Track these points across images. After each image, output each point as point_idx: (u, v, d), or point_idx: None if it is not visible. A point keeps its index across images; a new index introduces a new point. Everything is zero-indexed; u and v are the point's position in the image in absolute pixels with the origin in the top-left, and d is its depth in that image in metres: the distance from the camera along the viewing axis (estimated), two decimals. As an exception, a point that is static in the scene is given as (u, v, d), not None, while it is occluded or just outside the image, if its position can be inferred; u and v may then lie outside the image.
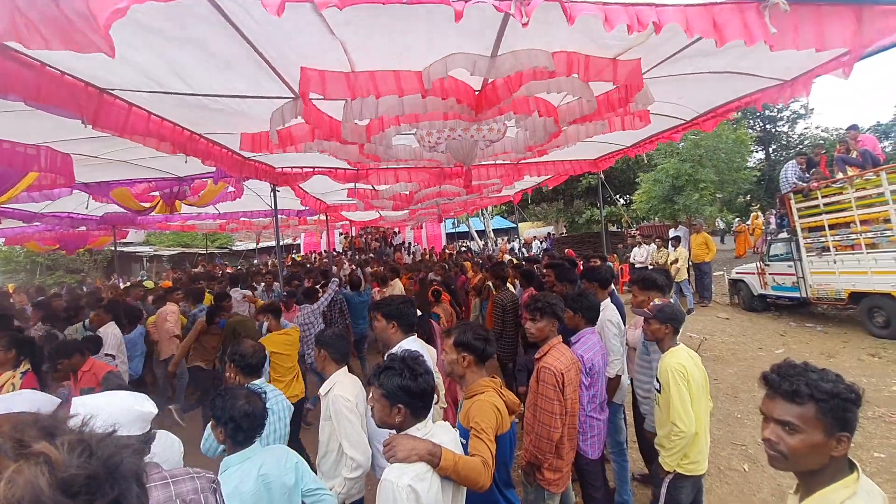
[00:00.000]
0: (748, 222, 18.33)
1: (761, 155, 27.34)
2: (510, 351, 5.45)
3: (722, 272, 12.49)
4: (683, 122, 5.04)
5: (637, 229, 16.82)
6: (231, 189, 6.18)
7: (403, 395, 1.73)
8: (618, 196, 19.58)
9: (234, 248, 24.67)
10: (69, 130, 3.80)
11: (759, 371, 1.48)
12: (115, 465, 0.55)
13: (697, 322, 9.03)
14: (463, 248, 19.80)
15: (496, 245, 21.53)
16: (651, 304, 2.84)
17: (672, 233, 12.21)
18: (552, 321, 2.70)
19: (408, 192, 8.33)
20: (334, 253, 17.16)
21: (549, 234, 23.43)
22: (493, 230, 24.70)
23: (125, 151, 4.68)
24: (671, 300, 3.01)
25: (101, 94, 3.09)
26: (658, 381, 2.66)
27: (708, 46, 2.86)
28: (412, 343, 2.68)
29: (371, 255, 17.20)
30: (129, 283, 9.73)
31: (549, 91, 3.17)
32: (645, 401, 3.20)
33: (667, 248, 10.69)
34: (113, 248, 10.05)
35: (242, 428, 1.86)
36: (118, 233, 8.49)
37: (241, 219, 9.98)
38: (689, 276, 10.42)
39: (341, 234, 20.94)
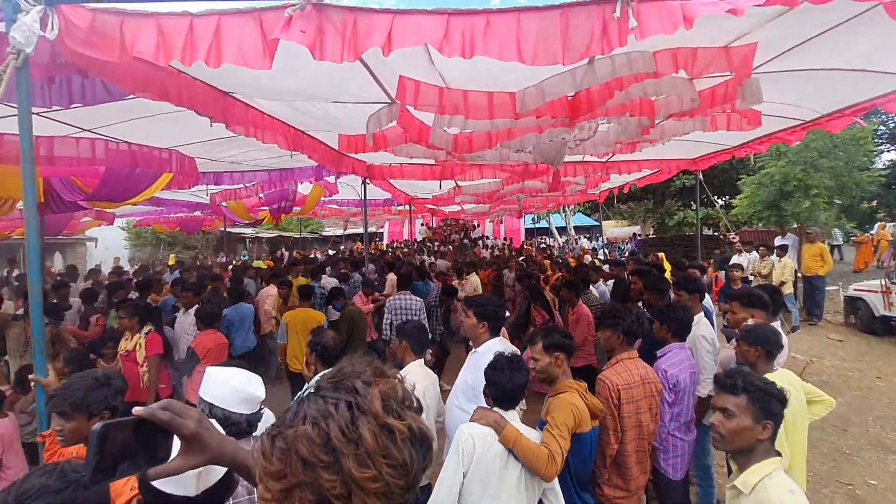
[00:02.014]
0: (872, 232, 16.11)
1: (893, 155, 23.71)
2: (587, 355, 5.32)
3: (836, 287, 11.14)
4: (801, 122, 4.55)
5: (736, 234, 15.40)
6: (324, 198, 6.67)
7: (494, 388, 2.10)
8: (716, 198, 18.10)
9: (323, 233, 26.24)
10: (193, 135, 4.34)
11: (876, 403, 1.46)
12: None
13: (804, 342, 8.16)
14: (543, 245, 19.42)
15: (577, 243, 20.88)
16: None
17: (779, 240, 11.05)
18: (614, 334, 2.64)
19: (490, 191, 8.39)
20: (414, 242, 17.67)
21: (634, 234, 22.27)
22: (573, 227, 23.98)
23: (239, 154, 5.24)
24: (777, 322, 2.78)
25: (225, 97, 3.48)
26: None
27: (838, 37, 2.57)
28: (498, 343, 2.73)
29: (450, 246, 17.44)
30: (238, 262, 10.97)
31: (647, 95, 3.04)
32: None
33: (771, 256, 9.72)
34: (223, 230, 11.49)
35: None
36: (228, 219, 9.48)
37: (332, 206, 10.62)
38: (795, 289, 9.41)
39: (423, 224, 21.46)
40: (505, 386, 2.10)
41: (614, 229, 26.16)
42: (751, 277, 9.67)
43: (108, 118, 3.52)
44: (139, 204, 6.13)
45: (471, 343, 2.94)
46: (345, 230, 21.43)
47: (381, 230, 23.66)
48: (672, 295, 3.87)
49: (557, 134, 4.01)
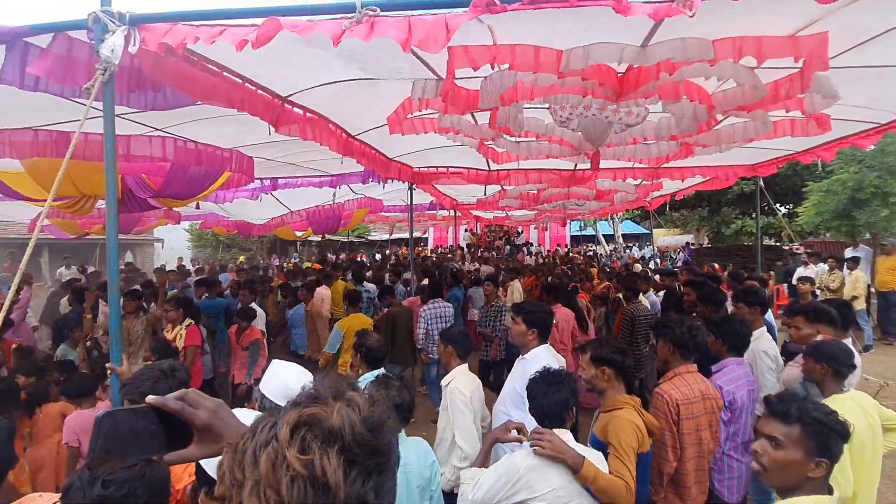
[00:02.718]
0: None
1: None
2: (636, 367, 5.16)
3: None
4: (877, 125, 4.22)
5: (801, 245, 14.44)
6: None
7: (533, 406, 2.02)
8: (778, 205, 17.05)
9: (370, 237, 26.82)
10: (253, 136, 4.57)
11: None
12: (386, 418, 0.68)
13: (878, 362, 7.52)
14: (589, 253, 18.98)
15: (625, 251, 20.25)
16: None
17: (850, 252, 10.26)
18: (665, 344, 2.55)
19: (535, 192, 8.30)
20: (457, 248, 17.73)
21: (687, 243, 21.34)
22: (622, 235, 23.28)
23: (294, 155, 5.46)
24: (848, 339, 2.59)
25: (283, 105, 3.66)
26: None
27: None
28: (545, 351, 2.70)
29: (494, 252, 17.38)
30: (291, 265, 11.57)
31: (706, 77, 2.90)
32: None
33: (841, 269, 9.04)
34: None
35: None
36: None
37: (380, 213, 10.87)
38: (868, 305, 8.71)
39: (467, 230, 21.50)
40: (542, 402, 2.03)
41: (666, 238, 25.16)
42: (818, 292, 9.04)
43: (178, 118, 3.77)
44: (203, 205, 6.54)
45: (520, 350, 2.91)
46: (391, 235, 21.81)
47: (425, 235, 23.91)
48: (729, 307, 3.69)
49: (602, 109, 3.89)
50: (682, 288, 6.25)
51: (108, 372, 2.21)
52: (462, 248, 18.12)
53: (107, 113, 2.19)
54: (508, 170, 6.38)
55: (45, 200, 4.46)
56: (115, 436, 0.76)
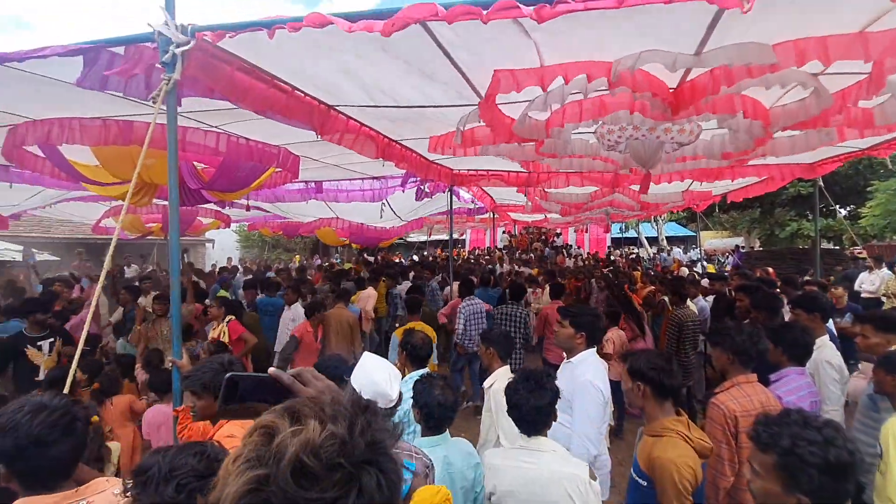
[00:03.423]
0: None
1: None
2: (684, 375, 4.97)
3: None
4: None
5: (863, 248, 13.49)
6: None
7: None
8: (838, 207, 16.01)
9: (408, 239, 27.10)
10: (299, 137, 4.72)
11: None
12: (376, 441, 0.60)
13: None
14: (632, 256, 18.44)
15: (669, 255, 19.55)
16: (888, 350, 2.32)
17: (920, 257, 9.52)
18: (723, 353, 2.41)
19: (577, 201, 8.17)
20: (496, 250, 17.64)
21: (737, 246, 20.36)
22: (665, 237, 22.50)
23: (337, 157, 5.60)
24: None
25: (329, 111, 3.76)
26: (880, 444, 2.17)
27: None
28: (593, 356, 2.65)
29: (531, 254, 17.17)
30: (334, 265, 12.00)
31: (766, 87, 2.75)
32: (868, 467, 2.62)
33: (910, 275, 8.40)
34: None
35: (434, 415, 2.01)
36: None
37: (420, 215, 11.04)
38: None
39: (504, 232, 21.37)
40: (524, 407, 1.96)
41: (713, 241, 24.12)
42: (883, 299, 8.44)
43: (230, 118, 3.96)
44: (252, 209, 6.82)
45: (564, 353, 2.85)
46: (429, 236, 21.96)
47: (462, 237, 23.93)
48: (786, 315, 3.50)
49: (653, 129, 3.77)
50: (733, 293, 5.98)
51: (170, 365, 2.33)
52: (500, 250, 18.01)
53: (170, 124, 2.31)
54: (549, 173, 6.30)
55: (108, 184, 4.72)
56: (237, 393, 0.85)
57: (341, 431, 0.57)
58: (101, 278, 2.21)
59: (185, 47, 2.22)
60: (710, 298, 6.13)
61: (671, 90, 3.03)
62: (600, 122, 3.77)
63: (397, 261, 15.93)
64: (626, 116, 3.62)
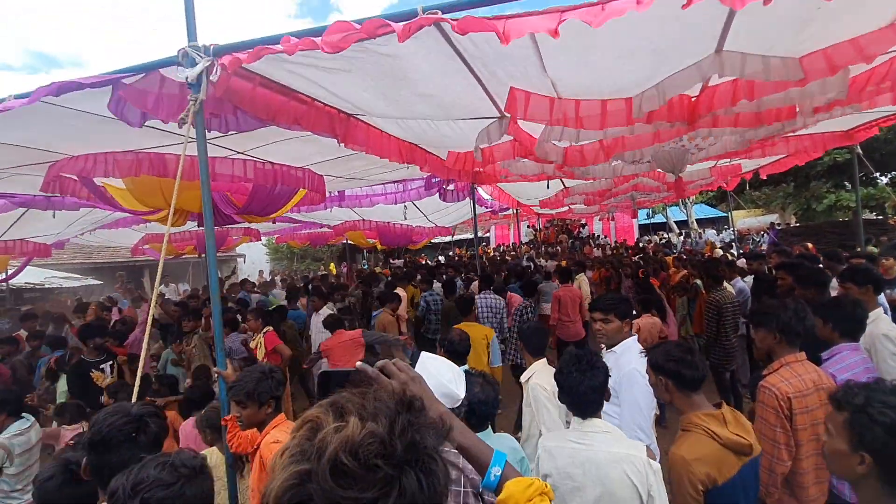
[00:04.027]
0: None
1: None
2: (726, 359, 4.82)
3: None
4: None
5: (911, 216, 12.83)
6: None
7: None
8: (879, 175, 15.26)
9: (432, 240, 27.19)
10: (321, 155, 4.82)
11: None
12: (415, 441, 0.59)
13: None
14: (663, 241, 18.02)
15: (701, 237, 19.01)
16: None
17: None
18: (769, 333, 2.30)
19: (600, 189, 8.04)
20: (521, 245, 17.53)
21: (772, 223, 19.64)
22: (696, 220, 21.87)
23: (360, 171, 5.69)
24: None
25: (349, 119, 3.81)
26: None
27: None
28: (634, 343, 2.60)
29: (558, 247, 17.00)
30: (366, 271, 12.27)
31: (791, 104, 2.63)
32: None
33: (965, 241, 7.92)
34: (345, 242, 12.61)
35: (476, 412, 1.96)
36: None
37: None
38: None
39: (529, 226, 21.22)
40: (578, 389, 1.90)
41: (746, 220, 23.28)
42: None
43: (255, 142, 4.06)
44: (279, 221, 6.98)
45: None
46: (452, 236, 21.97)
47: (486, 235, 23.86)
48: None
49: (677, 139, 3.69)
50: (772, 272, 5.77)
51: (215, 376, 2.41)
52: (525, 245, 17.89)
53: (199, 143, 2.39)
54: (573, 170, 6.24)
55: (144, 213, 4.96)
56: (339, 381, 0.89)
57: (381, 431, 0.57)
58: (153, 299, 2.32)
59: (207, 65, 2.29)
60: (749, 279, 5.93)
61: (692, 98, 2.95)
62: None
63: (423, 262, 16.00)
64: (648, 151, 3.57)
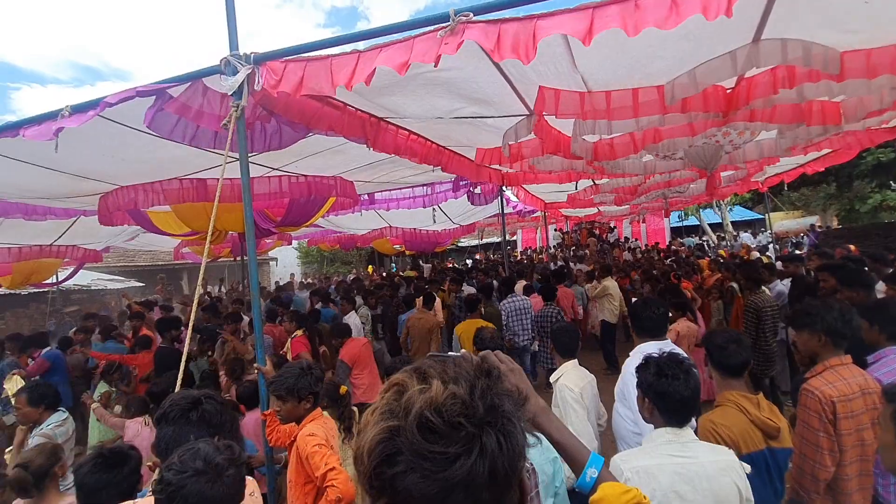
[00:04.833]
0: None
1: None
2: (765, 364, 4.67)
3: None
4: None
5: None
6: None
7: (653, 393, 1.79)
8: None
9: (459, 244, 27.25)
10: (352, 163, 4.94)
11: None
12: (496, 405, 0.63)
13: None
14: (697, 243, 17.54)
15: (736, 240, 18.43)
16: None
17: None
18: (813, 335, 2.23)
19: (632, 186, 7.91)
20: (549, 249, 17.36)
21: (812, 226, 18.86)
22: (730, 222, 21.22)
23: (388, 174, 5.79)
24: None
25: (379, 122, 3.89)
26: None
27: None
28: (653, 347, 2.58)
29: (585, 251, 16.74)
30: (395, 274, 12.47)
31: (829, 97, 2.54)
32: None
33: None
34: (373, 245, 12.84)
35: None
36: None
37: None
38: None
39: (556, 230, 20.99)
40: (675, 395, 1.73)
41: (784, 222, 22.43)
42: None
43: (290, 157, 4.21)
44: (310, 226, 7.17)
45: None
46: (480, 240, 21.97)
47: (513, 238, 23.73)
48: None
49: (710, 135, 3.61)
50: (812, 274, 5.56)
51: (256, 372, 2.50)
52: (552, 248, 17.72)
53: (241, 148, 2.49)
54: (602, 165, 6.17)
55: (183, 235, 5.25)
56: None
57: (462, 392, 0.61)
58: (195, 301, 2.45)
59: (248, 73, 2.39)
60: (787, 282, 5.73)
61: (728, 90, 2.88)
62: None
63: (451, 266, 16.07)
64: (681, 142, 3.50)
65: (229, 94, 2.39)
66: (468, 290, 7.61)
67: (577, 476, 1.02)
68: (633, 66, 2.63)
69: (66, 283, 9.03)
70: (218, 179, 4.03)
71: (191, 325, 2.50)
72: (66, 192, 4.41)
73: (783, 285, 5.63)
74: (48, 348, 5.68)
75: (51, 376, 5.30)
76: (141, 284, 13.25)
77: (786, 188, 17.84)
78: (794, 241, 17.82)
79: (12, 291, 7.94)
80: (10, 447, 3.25)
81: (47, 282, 8.15)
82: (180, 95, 2.69)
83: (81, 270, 9.07)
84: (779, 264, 7.26)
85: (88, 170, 3.85)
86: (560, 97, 2.89)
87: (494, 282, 7.80)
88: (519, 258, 17.66)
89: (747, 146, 3.95)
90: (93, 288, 11.73)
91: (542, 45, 2.05)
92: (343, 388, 3.01)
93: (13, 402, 3.74)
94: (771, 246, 13.65)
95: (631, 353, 2.67)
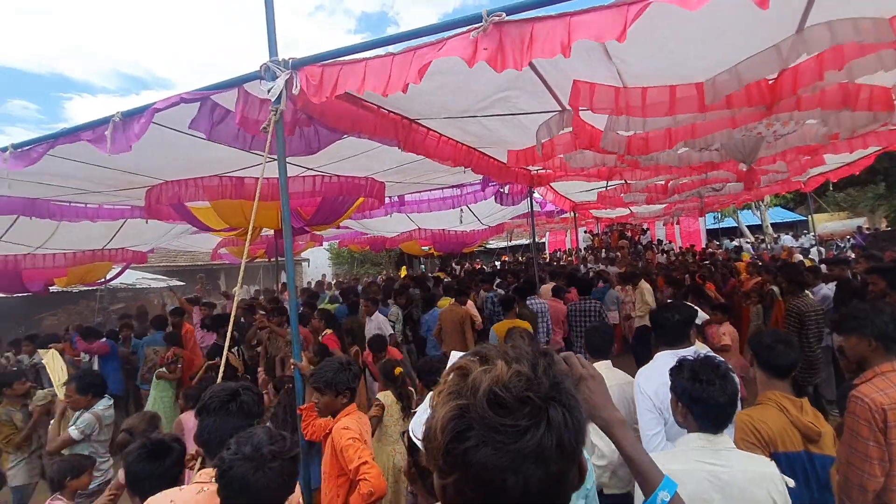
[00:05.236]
0: None
1: None
2: (809, 371, 4.48)
3: None
4: None
5: None
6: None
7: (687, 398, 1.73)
8: None
9: (488, 246, 27.19)
10: (383, 165, 5.03)
11: None
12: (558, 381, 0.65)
13: None
14: (735, 245, 16.96)
15: (776, 242, 17.72)
16: None
17: None
18: (862, 339, 2.13)
19: (664, 182, 7.72)
20: (579, 252, 17.11)
21: (859, 228, 17.97)
22: (770, 224, 20.41)
23: (418, 176, 5.86)
24: None
25: (411, 124, 3.94)
26: None
27: None
28: (670, 356, 2.53)
29: (616, 254, 16.42)
30: (421, 275, 12.64)
31: (883, 67, 2.41)
32: None
33: None
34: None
35: None
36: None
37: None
38: None
39: (586, 231, 20.66)
40: (712, 400, 1.67)
41: (829, 224, 21.42)
42: None
43: (324, 159, 4.32)
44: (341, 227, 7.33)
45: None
46: (509, 242, 21.87)
47: (542, 240, 23.50)
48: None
49: (752, 127, 3.48)
50: (859, 277, 5.32)
51: (292, 367, 2.58)
52: (584, 250, 17.45)
53: (280, 151, 2.58)
54: (634, 163, 6.05)
55: (223, 230, 5.45)
56: None
57: (525, 370, 0.64)
58: (236, 298, 2.56)
59: (286, 78, 2.48)
60: (832, 286, 5.48)
61: (770, 81, 2.78)
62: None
63: (479, 268, 16.08)
64: (719, 136, 3.39)
65: (269, 98, 2.48)
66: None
67: (646, 496, 1.00)
68: (670, 64, 2.58)
69: (113, 282, 9.54)
70: (253, 178, 4.30)
71: (231, 324, 2.59)
72: (117, 186, 4.70)
73: (828, 289, 5.39)
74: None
75: (108, 360, 5.91)
76: (181, 283, 13.81)
77: (831, 188, 17.03)
78: (838, 244, 17.00)
79: (65, 289, 8.40)
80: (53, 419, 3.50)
81: (97, 280, 8.63)
82: (223, 100, 2.82)
83: (127, 270, 9.55)
84: (823, 267, 6.95)
85: (136, 167, 4.08)
86: (595, 91, 2.84)
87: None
88: (548, 260, 17.45)
89: (789, 137, 3.78)
90: (137, 287, 12.32)
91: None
92: (398, 369, 3.11)
93: (51, 376, 4.03)
94: (815, 249, 13.04)
95: (645, 367, 2.55)
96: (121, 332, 6.89)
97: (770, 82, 2.74)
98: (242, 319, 6.65)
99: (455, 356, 1.80)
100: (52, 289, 7.79)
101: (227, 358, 2.31)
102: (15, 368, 5.65)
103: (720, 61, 2.50)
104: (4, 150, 3.15)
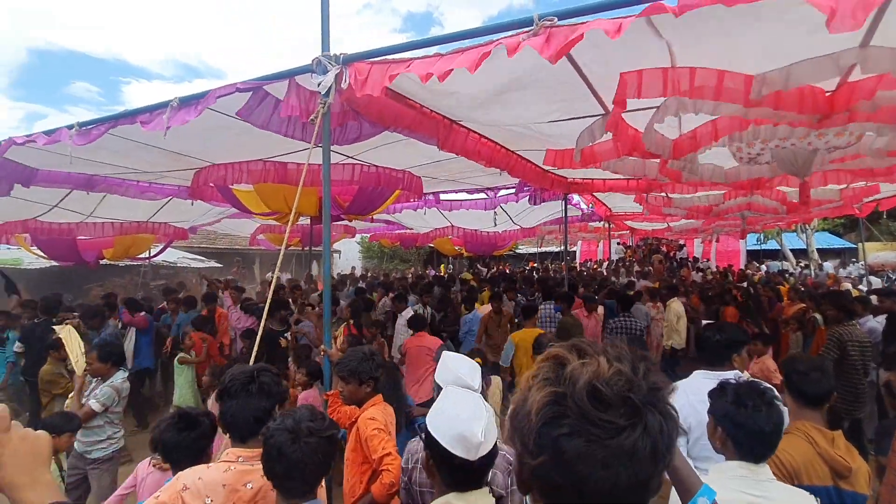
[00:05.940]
0: None
1: None
2: (850, 402, 4.28)
3: None
4: None
5: None
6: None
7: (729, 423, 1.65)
8: None
9: (517, 250, 26.99)
10: (421, 159, 5.08)
11: None
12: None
13: None
14: (780, 269, 16.27)
15: (821, 269, 16.90)
16: None
17: None
18: None
19: (707, 203, 7.48)
20: (612, 262, 16.79)
21: (915, 259, 16.91)
22: (815, 249, 19.47)
23: (455, 173, 5.89)
24: None
25: (451, 125, 3.97)
26: None
27: None
28: (702, 375, 2.46)
29: (649, 268, 16.01)
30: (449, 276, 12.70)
31: None
32: None
33: None
34: (431, 246, 13.03)
35: None
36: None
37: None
38: None
39: (619, 243, 20.23)
40: (757, 429, 1.58)
41: (880, 253, 20.20)
42: None
43: (363, 147, 4.40)
44: (376, 220, 7.45)
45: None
46: (539, 248, 21.65)
47: (573, 249, 23.14)
48: None
49: (804, 136, 3.32)
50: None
51: (321, 353, 2.65)
52: (618, 262, 17.10)
53: (325, 143, 2.66)
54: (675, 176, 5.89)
55: (265, 214, 5.62)
56: None
57: (627, 370, 0.65)
58: (273, 283, 2.66)
59: (336, 73, 2.54)
60: (882, 318, 5.20)
61: (827, 94, 2.66)
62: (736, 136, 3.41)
63: (507, 271, 16.00)
64: (767, 131, 3.26)
65: (319, 91, 2.55)
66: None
67: (684, 502, 1.02)
68: (722, 62, 2.48)
69: (156, 258, 9.97)
70: (295, 163, 4.43)
71: (266, 308, 2.68)
72: (168, 167, 4.93)
73: (876, 322, 5.12)
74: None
75: (145, 334, 6.19)
76: (219, 265, 14.30)
77: (885, 216, 16.07)
78: (889, 275, 16.05)
79: (113, 262, 8.84)
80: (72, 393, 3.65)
81: (141, 256, 9.03)
82: (274, 90, 2.92)
83: (169, 249, 9.95)
84: (874, 299, 6.60)
85: (186, 149, 4.29)
86: (643, 77, 2.72)
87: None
88: (578, 270, 17.18)
89: (849, 148, 3.57)
90: (178, 265, 12.83)
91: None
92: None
93: (68, 352, 4.25)
94: (865, 279, 12.35)
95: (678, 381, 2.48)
96: (168, 305, 7.22)
97: (827, 94, 2.63)
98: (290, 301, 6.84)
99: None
100: (102, 262, 8.20)
101: (278, 341, 2.39)
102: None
103: (773, 62, 2.40)
104: (71, 127, 3.35)
